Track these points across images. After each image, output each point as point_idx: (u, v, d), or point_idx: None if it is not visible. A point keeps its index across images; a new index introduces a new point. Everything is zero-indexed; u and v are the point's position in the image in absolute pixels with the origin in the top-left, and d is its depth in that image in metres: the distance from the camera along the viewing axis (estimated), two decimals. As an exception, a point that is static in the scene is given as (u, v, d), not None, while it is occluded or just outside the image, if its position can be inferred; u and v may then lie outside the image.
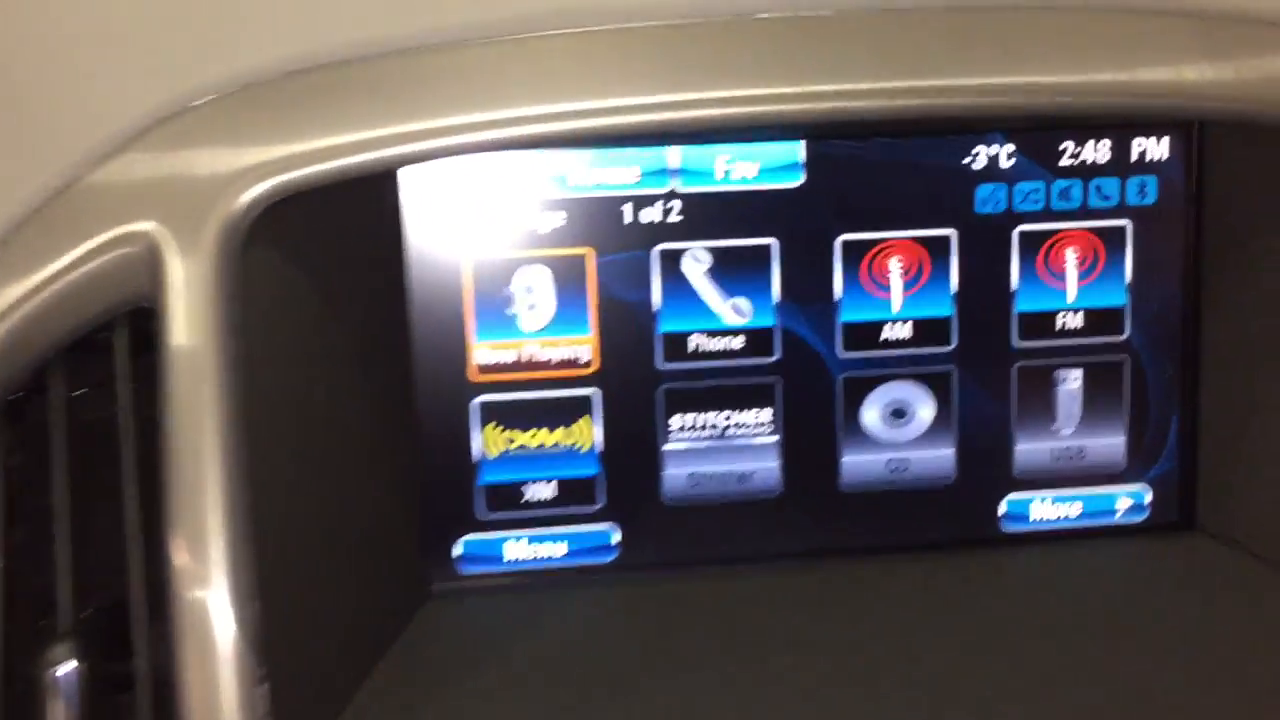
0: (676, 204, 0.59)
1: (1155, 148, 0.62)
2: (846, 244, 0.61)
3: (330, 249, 0.53)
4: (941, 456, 0.64)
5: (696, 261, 0.60)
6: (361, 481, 0.55)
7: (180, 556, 0.45)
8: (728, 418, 0.62)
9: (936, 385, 0.63)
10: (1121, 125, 0.62)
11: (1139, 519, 0.66)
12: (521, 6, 0.51)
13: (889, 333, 0.62)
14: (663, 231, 0.60)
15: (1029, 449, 0.64)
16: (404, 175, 0.57)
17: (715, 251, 0.60)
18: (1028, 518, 0.65)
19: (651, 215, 0.59)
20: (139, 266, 0.47)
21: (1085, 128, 0.62)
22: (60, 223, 0.47)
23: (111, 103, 0.48)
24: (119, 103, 0.48)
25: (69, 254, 0.47)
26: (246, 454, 0.46)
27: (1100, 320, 0.64)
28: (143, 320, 0.51)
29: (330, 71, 0.49)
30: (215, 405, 0.45)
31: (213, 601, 0.45)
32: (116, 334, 0.49)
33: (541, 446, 0.61)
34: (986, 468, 0.64)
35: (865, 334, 0.62)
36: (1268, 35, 0.54)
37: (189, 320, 0.46)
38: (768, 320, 0.61)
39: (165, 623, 0.46)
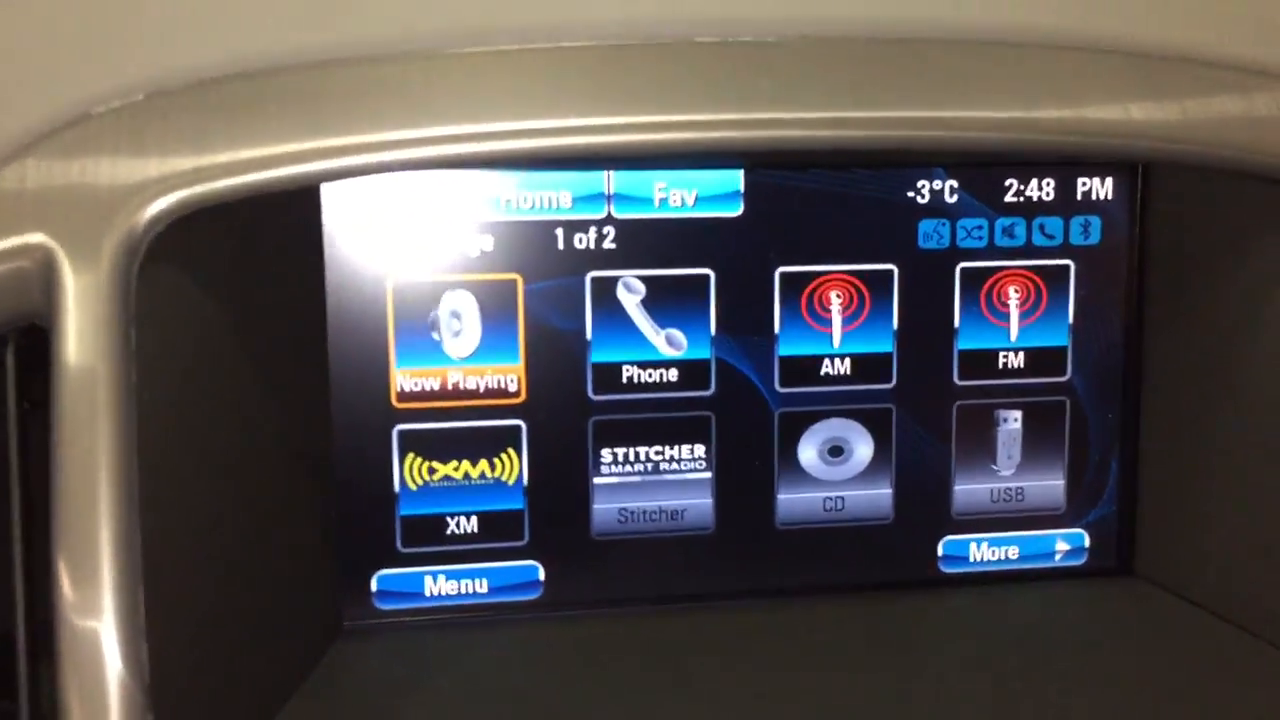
0: (611, 230, 0.57)
1: (1099, 187, 0.62)
2: (785, 276, 0.59)
3: (243, 269, 0.51)
4: (879, 496, 0.62)
5: (630, 290, 0.58)
6: (272, 513, 0.53)
7: (66, 590, 0.42)
8: (660, 452, 0.60)
9: (875, 423, 0.62)
10: (1066, 164, 0.61)
11: (1077, 562, 0.65)
12: (456, 21, 0.49)
13: (828, 368, 0.61)
14: (596, 258, 0.58)
15: (968, 489, 0.63)
16: (326, 193, 0.55)
17: (650, 281, 0.58)
18: (966, 559, 0.64)
19: (585, 241, 0.57)
20: (32, 281, 0.44)
21: (1029, 165, 0.61)
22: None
23: (5, 107, 0.46)
24: (13, 108, 0.46)
25: (-45, 267, 0.44)
26: (141, 483, 0.43)
27: (1042, 360, 0.62)
28: (35, 338, 0.48)
29: (246, 82, 0.47)
30: (109, 430, 0.42)
31: (101, 639, 0.42)
32: (7, 351, 0.46)
33: (465, 478, 0.58)
34: (925, 508, 0.63)
35: (804, 369, 0.60)
36: (1214, 77, 0.53)
37: (83, 339, 0.43)
38: (703, 352, 0.59)
39: (52, 661, 0.44)
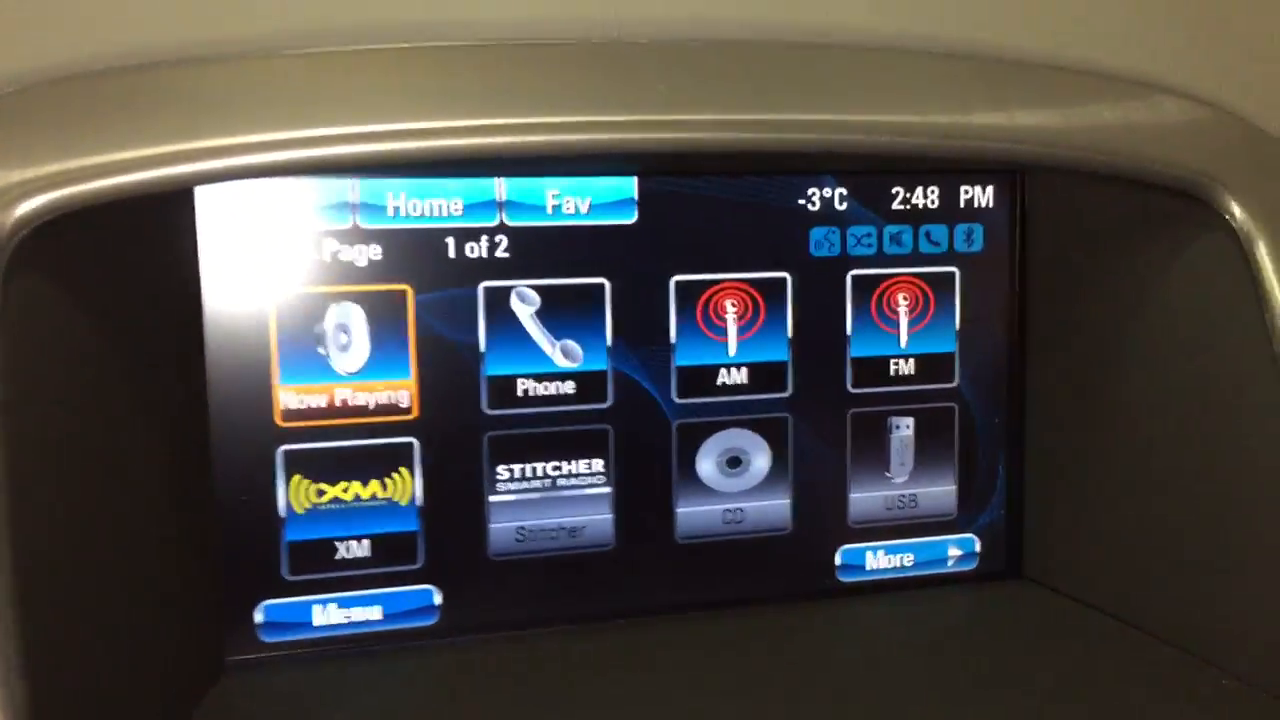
0: (503, 239, 0.56)
1: (981, 195, 0.63)
2: (681, 285, 0.59)
3: (114, 279, 0.47)
4: (778, 506, 0.62)
5: (524, 301, 0.57)
6: (149, 543, 0.49)
7: None
8: (558, 467, 0.58)
9: (772, 433, 0.61)
10: (949, 171, 0.62)
11: (969, 567, 0.65)
12: (339, 18, 0.47)
13: (724, 378, 0.60)
14: (488, 268, 0.56)
15: (863, 498, 0.63)
16: (201, 198, 0.52)
17: (544, 290, 0.57)
18: (863, 567, 0.64)
19: (477, 250, 0.56)
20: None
21: (915, 173, 0.62)
22: None
23: None
24: None
25: None
26: (9, 512, 0.39)
27: (931, 367, 0.63)
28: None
29: (115, 78, 0.44)
30: None
31: None
32: None
33: (355, 500, 0.55)
34: (822, 518, 0.63)
35: (700, 379, 0.60)
36: (1090, 85, 0.55)
37: None
38: (600, 364, 0.58)
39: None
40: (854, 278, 0.61)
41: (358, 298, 0.54)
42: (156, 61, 0.44)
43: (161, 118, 0.43)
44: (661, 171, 0.57)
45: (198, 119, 0.43)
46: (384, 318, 0.55)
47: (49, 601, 0.41)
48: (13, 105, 0.42)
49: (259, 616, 0.55)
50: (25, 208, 0.41)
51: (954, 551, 0.65)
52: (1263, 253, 0.52)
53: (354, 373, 0.55)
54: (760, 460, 0.61)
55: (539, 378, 0.57)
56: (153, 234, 0.50)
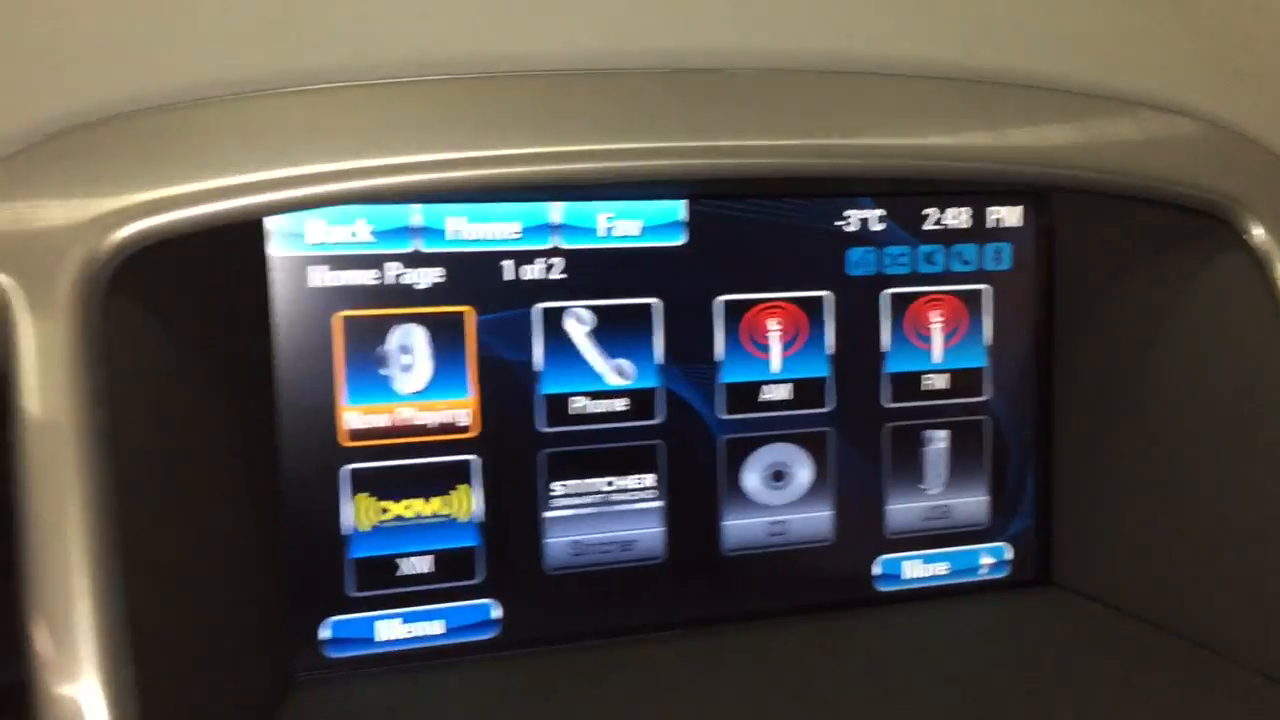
0: (559, 261, 0.58)
1: (1009, 215, 0.65)
2: (727, 304, 0.61)
3: (194, 304, 0.49)
4: (820, 519, 0.64)
5: (579, 321, 0.58)
6: (228, 562, 0.50)
7: (44, 654, 0.39)
8: (610, 483, 0.60)
9: (814, 446, 0.63)
10: (978, 193, 0.65)
11: (1001, 575, 0.67)
12: (404, 49, 0.48)
13: (768, 394, 0.62)
14: (544, 289, 0.58)
15: (900, 509, 0.65)
16: (271, 225, 0.53)
17: (598, 310, 0.58)
18: (900, 577, 0.65)
19: (533, 272, 0.57)
20: (-15, 320, 0.41)
21: (946, 194, 0.64)
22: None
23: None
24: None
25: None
26: (114, 533, 0.40)
27: (963, 381, 0.65)
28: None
29: (204, 109, 0.45)
30: (78, 481, 0.40)
31: (87, 702, 0.39)
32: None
33: (417, 517, 0.57)
34: (861, 528, 0.64)
35: (745, 395, 0.62)
36: (1110, 108, 0.57)
37: (46, 386, 0.40)
38: (651, 381, 0.60)
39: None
40: (890, 295, 0.63)
41: (420, 319, 0.56)
42: (233, 94, 0.46)
43: (240, 148, 0.44)
44: (711, 195, 0.59)
45: (274, 150, 0.45)
46: (445, 338, 0.56)
47: (151, 623, 0.42)
48: (105, 133, 0.44)
49: (324, 633, 0.56)
50: (122, 234, 0.42)
51: (986, 560, 0.67)
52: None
53: (416, 393, 0.56)
54: (803, 474, 0.63)
55: (593, 395, 0.59)
56: (226, 259, 0.51)
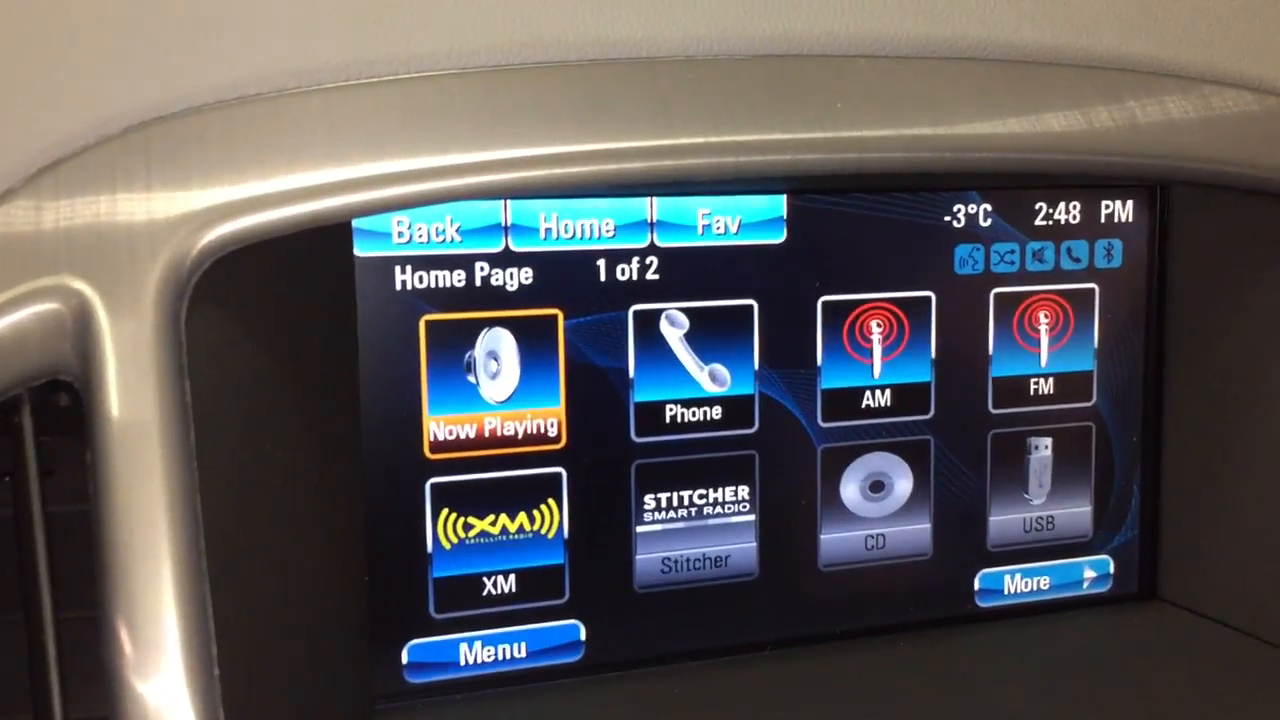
0: (654, 260, 0.54)
1: (1121, 210, 0.61)
2: (827, 305, 0.57)
3: (277, 309, 0.45)
4: (919, 531, 0.60)
5: (674, 325, 0.55)
6: (311, 579, 0.47)
7: (131, 675, 0.36)
8: (703, 495, 0.56)
9: (914, 456, 0.59)
10: (1091, 186, 0.61)
11: (1103, 589, 0.64)
12: (504, 34, 0.45)
13: (869, 400, 0.58)
14: (638, 291, 0.54)
15: (1002, 520, 0.62)
16: (356, 223, 0.49)
17: (693, 313, 0.55)
18: (1001, 592, 0.62)
19: (627, 272, 0.53)
20: (61, 329, 0.37)
21: (1056, 188, 0.60)
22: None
23: (13, 129, 0.39)
24: (25, 129, 0.39)
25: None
26: (201, 549, 0.37)
27: (1069, 386, 0.62)
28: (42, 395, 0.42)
29: (287, 102, 0.42)
30: (164, 496, 0.37)
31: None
32: (23, 412, 0.39)
33: (503, 533, 0.53)
34: (961, 541, 0.61)
35: (845, 402, 0.58)
36: (1230, 97, 0.53)
37: (130, 396, 0.37)
38: (747, 388, 0.56)
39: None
40: (996, 295, 0.60)
41: (508, 323, 0.52)
42: (318, 86, 0.42)
43: (330, 146, 0.41)
44: (812, 190, 0.55)
45: (366, 147, 0.41)
46: (534, 344, 0.52)
47: (232, 646, 0.39)
48: (189, 127, 0.40)
49: (405, 657, 0.52)
50: (210, 236, 0.39)
51: (1089, 574, 0.64)
52: None
53: (503, 401, 0.52)
54: (902, 484, 0.59)
55: (687, 403, 0.55)
56: (313, 259, 0.47)
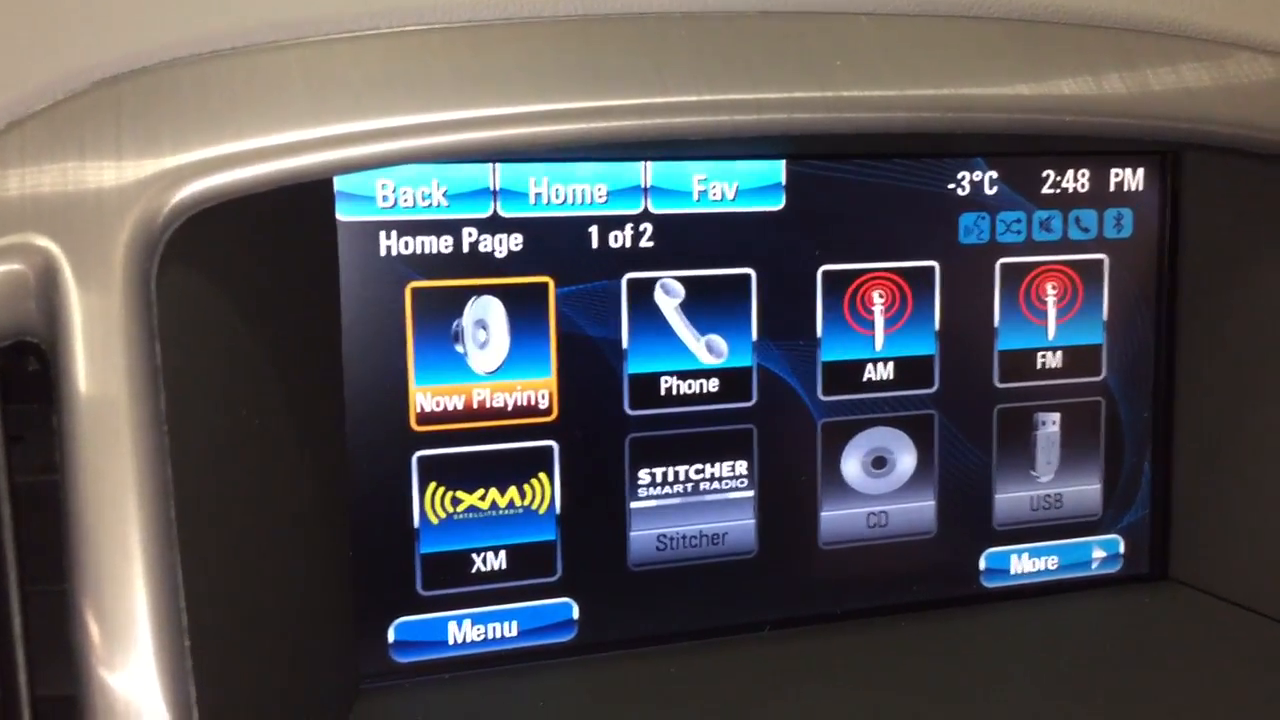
0: (648, 227, 0.52)
1: (1131, 178, 0.59)
2: (828, 275, 0.55)
3: (254, 274, 0.44)
4: (922, 509, 0.58)
5: (669, 294, 0.53)
6: (292, 557, 0.45)
7: (98, 655, 0.34)
8: (700, 470, 0.54)
9: (917, 431, 0.58)
10: (1100, 152, 0.59)
11: (1113, 570, 0.62)
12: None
13: (870, 373, 0.57)
14: (632, 258, 0.52)
15: (1008, 498, 0.60)
16: (339, 186, 0.48)
17: (689, 282, 0.53)
18: (1007, 571, 0.60)
19: (620, 239, 0.52)
20: (26, 289, 0.36)
21: (1065, 155, 0.59)
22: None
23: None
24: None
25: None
26: (172, 524, 0.36)
27: (1078, 359, 0.60)
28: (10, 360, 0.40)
29: (263, 56, 0.40)
30: (134, 468, 0.35)
31: (143, 706, 0.34)
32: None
33: (492, 509, 0.52)
34: (966, 519, 0.59)
35: (847, 375, 0.56)
36: (1244, 58, 0.51)
37: (98, 362, 0.35)
38: (745, 360, 0.54)
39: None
40: (1003, 266, 0.58)
41: (497, 291, 0.50)
42: (296, 38, 0.40)
43: (307, 100, 0.39)
44: (811, 155, 0.54)
45: (345, 102, 0.39)
46: (524, 312, 0.51)
47: (207, 626, 0.38)
48: (159, 81, 0.38)
49: (392, 635, 0.51)
50: (181, 194, 0.37)
51: (1098, 553, 0.62)
52: None
53: (492, 372, 0.51)
54: (906, 460, 0.58)
55: (682, 375, 0.54)
56: (292, 224, 0.46)
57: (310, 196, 0.47)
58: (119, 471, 0.35)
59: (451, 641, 0.52)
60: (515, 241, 0.50)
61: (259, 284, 0.43)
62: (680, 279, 0.53)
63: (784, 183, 0.54)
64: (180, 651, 0.35)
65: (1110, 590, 0.62)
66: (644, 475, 0.54)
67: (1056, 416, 0.60)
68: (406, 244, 0.49)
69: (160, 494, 0.36)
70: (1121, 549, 0.62)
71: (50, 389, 0.36)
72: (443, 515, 0.51)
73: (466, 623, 0.52)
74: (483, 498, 0.51)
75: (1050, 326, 0.59)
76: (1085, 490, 0.61)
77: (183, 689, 0.35)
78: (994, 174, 0.57)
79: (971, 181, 0.57)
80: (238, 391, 0.42)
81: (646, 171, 0.52)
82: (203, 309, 0.40)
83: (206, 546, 0.38)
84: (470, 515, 0.51)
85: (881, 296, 0.56)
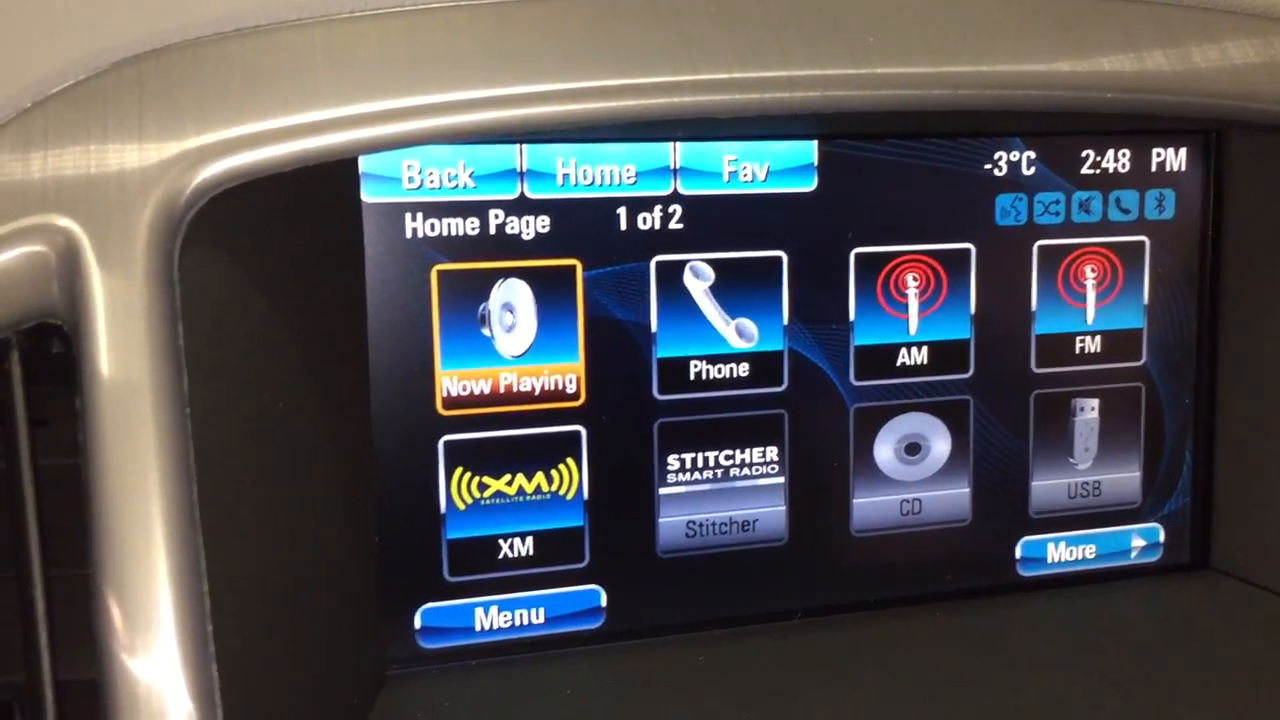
0: (677, 209, 0.51)
1: (1173, 158, 0.58)
2: (861, 257, 0.54)
3: (278, 256, 0.43)
4: (957, 496, 0.57)
5: (698, 276, 0.52)
6: (317, 542, 0.45)
7: (120, 640, 0.34)
8: (730, 456, 0.54)
9: (952, 417, 0.57)
10: (1141, 131, 0.57)
11: (1152, 559, 0.61)
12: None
13: (904, 358, 0.55)
14: (661, 240, 0.51)
15: (1045, 485, 0.59)
16: (364, 167, 0.47)
17: (719, 264, 0.52)
18: (1045, 560, 0.59)
19: (649, 221, 0.51)
20: (48, 270, 0.36)
21: (1105, 134, 0.57)
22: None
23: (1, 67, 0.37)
24: (8, 61, 0.37)
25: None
26: (196, 508, 0.35)
27: (1118, 344, 0.59)
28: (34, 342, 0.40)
29: (288, 34, 0.39)
30: (160, 449, 0.35)
31: (165, 692, 0.34)
32: (11, 357, 0.37)
33: (519, 494, 0.51)
34: (1002, 507, 0.58)
35: (880, 359, 0.55)
36: None
37: (121, 343, 0.35)
38: (776, 344, 0.53)
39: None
40: (1040, 248, 0.57)
41: (524, 274, 0.50)
42: (325, 15, 0.40)
43: (332, 80, 0.39)
44: (844, 135, 0.53)
45: (370, 81, 0.39)
46: (551, 295, 0.50)
47: (230, 610, 0.37)
48: (182, 60, 0.38)
49: (418, 621, 0.51)
50: (204, 174, 0.36)
51: (1137, 542, 0.61)
52: None
53: (519, 355, 0.50)
54: (940, 446, 0.57)
55: (712, 359, 0.53)
56: (317, 205, 0.45)
57: (335, 177, 0.46)
58: (142, 455, 0.35)
59: (478, 628, 0.51)
60: (542, 223, 0.50)
61: (283, 265, 0.43)
62: (710, 261, 0.52)
63: (816, 163, 0.53)
64: (203, 636, 0.35)
65: (1150, 580, 0.61)
66: (673, 461, 0.53)
67: (1095, 402, 0.59)
68: (432, 225, 0.48)
69: (183, 477, 0.35)
70: (1161, 538, 0.61)
71: (73, 371, 0.36)
72: (469, 500, 0.50)
73: (493, 609, 0.51)
74: (510, 483, 0.51)
75: (1089, 310, 0.58)
76: (1124, 478, 0.60)
77: (205, 674, 0.35)
78: (1032, 154, 0.56)
79: (1009, 161, 0.55)
80: (262, 374, 0.41)
81: (676, 152, 0.51)
82: (226, 290, 0.39)
83: (230, 531, 0.38)
84: (497, 501, 0.51)
85: (916, 279, 0.55)
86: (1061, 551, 0.59)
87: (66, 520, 0.40)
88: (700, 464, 0.53)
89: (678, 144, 0.51)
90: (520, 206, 0.49)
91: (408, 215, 0.48)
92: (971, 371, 0.56)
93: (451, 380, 0.49)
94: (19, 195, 0.36)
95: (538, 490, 0.51)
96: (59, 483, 0.40)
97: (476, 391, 0.50)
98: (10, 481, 0.38)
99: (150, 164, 0.37)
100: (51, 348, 0.40)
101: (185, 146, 0.37)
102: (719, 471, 0.54)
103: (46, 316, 0.36)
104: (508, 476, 0.51)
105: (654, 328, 0.52)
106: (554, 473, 0.51)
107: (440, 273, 0.49)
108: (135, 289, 0.36)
